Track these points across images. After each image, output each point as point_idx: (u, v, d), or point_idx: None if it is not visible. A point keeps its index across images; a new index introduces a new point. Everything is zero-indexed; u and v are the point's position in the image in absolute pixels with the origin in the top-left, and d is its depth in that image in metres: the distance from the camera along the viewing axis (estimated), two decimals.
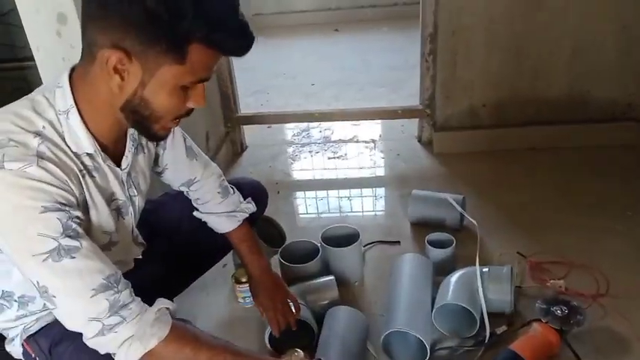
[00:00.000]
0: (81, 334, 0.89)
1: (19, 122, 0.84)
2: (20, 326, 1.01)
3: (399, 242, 1.77)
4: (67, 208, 0.84)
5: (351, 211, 1.99)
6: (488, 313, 1.37)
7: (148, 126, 0.90)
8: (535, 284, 1.53)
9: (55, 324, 0.97)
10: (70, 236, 0.83)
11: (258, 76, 3.32)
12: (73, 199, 0.86)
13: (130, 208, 1.04)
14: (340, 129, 2.58)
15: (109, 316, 0.86)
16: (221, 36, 0.81)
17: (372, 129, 2.55)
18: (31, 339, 1.00)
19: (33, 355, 1.01)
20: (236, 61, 2.32)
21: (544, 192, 1.97)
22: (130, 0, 0.77)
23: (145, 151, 1.08)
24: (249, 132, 2.55)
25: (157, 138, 0.96)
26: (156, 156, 1.16)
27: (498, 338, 1.35)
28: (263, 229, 1.55)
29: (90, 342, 0.88)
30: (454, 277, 1.44)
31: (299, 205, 2.10)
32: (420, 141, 2.40)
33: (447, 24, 2.07)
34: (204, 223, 1.31)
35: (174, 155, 1.18)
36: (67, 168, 0.86)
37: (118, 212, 1.01)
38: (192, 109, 0.91)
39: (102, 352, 0.90)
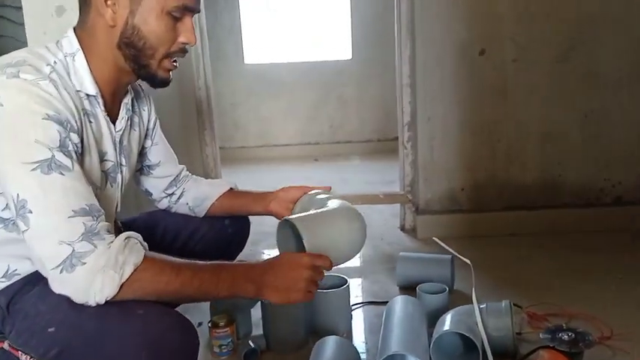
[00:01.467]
0: (42, 281, 0.81)
1: (34, 54, 0.89)
2: None
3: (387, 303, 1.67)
4: (68, 128, 0.84)
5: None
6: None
7: (146, 63, 0.94)
8: (535, 330, 1.43)
9: (15, 283, 0.88)
10: (64, 153, 0.82)
11: None
12: (74, 124, 0.86)
13: (118, 177, 1.02)
14: None
15: (80, 240, 0.79)
16: None
17: None
18: None
19: None
20: None
21: (532, 269, 1.92)
22: None
23: (137, 129, 1.10)
24: None
25: (159, 81, 0.98)
26: (143, 148, 1.17)
27: None
28: None
29: (55, 279, 0.80)
30: (450, 313, 1.35)
31: None
32: (402, 229, 2.40)
33: (422, 111, 2.23)
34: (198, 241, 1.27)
35: (163, 148, 1.21)
36: (72, 100, 0.88)
37: (106, 176, 0.98)
38: (185, 48, 0.97)
39: (73, 296, 0.80)
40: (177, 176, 1.30)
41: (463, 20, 2.15)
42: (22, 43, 1.57)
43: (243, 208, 1.35)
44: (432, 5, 2.15)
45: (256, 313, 1.51)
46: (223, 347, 1.40)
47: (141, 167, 1.24)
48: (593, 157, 2.25)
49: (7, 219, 0.88)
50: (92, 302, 0.81)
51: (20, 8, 2.22)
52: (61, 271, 0.79)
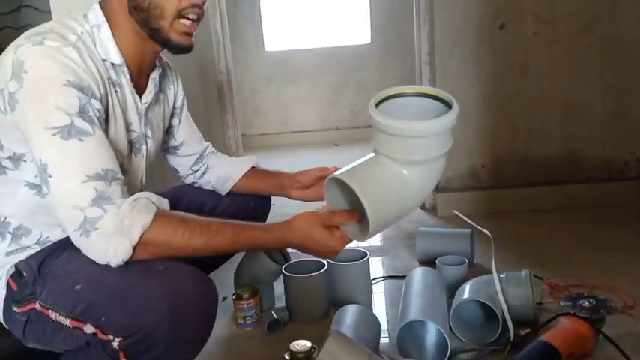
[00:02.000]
0: (72, 244, 0.85)
1: (62, 24, 0.92)
2: (8, 265, 0.95)
3: None
4: (89, 95, 0.87)
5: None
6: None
7: (157, 26, 0.95)
8: (555, 300, 1.43)
9: (45, 248, 0.92)
10: (84, 119, 0.85)
11: None
12: (97, 91, 0.89)
13: (143, 147, 1.05)
14: None
15: (91, 206, 0.82)
16: None
17: None
18: (21, 264, 0.93)
19: (16, 289, 0.92)
20: None
21: (553, 243, 1.91)
22: None
23: (164, 105, 1.13)
24: None
25: (175, 45, 0.98)
26: (170, 126, 1.20)
27: (523, 340, 1.22)
28: (266, 252, 1.50)
29: (78, 243, 0.84)
30: (470, 282, 1.36)
31: None
32: (423, 208, 2.40)
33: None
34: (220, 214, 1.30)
35: (189, 127, 1.24)
36: (98, 69, 0.90)
37: (131, 146, 1.02)
38: (195, 4, 0.95)
39: (96, 258, 0.84)
40: (202, 153, 1.34)
41: None
42: None
43: (265, 191, 1.39)
44: None
45: (279, 286, 1.55)
46: (247, 318, 1.43)
47: (167, 148, 1.28)
48: (616, 130, 2.22)
49: (39, 185, 0.91)
50: (112, 264, 0.84)
51: None
52: (80, 235, 0.83)
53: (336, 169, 1.26)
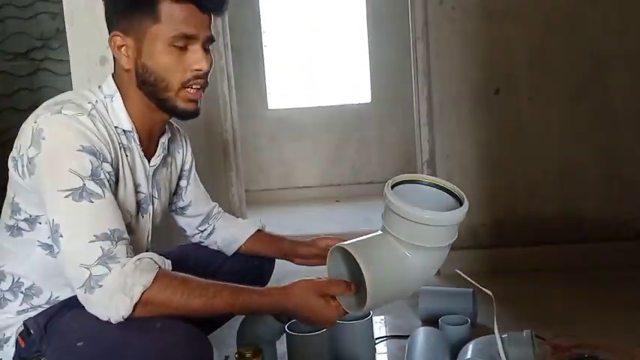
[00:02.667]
0: (79, 304, 0.88)
1: (78, 95, 1.00)
2: (18, 324, 0.98)
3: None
4: (101, 159, 0.92)
5: None
6: None
7: (165, 97, 1.00)
8: None
9: (54, 306, 0.96)
10: (96, 182, 0.90)
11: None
12: (108, 156, 0.94)
13: (150, 208, 1.09)
14: None
15: (96, 264, 0.86)
16: None
17: None
18: (29, 322, 0.96)
19: (24, 346, 0.95)
20: None
21: (555, 303, 1.92)
22: None
23: (171, 168, 1.18)
24: None
25: (181, 112, 1.03)
26: (177, 188, 1.25)
27: None
28: None
29: (83, 300, 0.88)
30: (472, 342, 1.37)
31: None
32: None
33: (440, 149, 2.30)
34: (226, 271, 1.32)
35: (196, 188, 1.28)
36: (110, 134, 0.97)
37: (138, 206, 1.06)
38: (200, 75, 1.00)
39: (98, 314, 0.87)
40: (209, 214, 1.37)
41: (477, 62, 2.24)
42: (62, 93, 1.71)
43: (269, 255, 1.42)
44: (447, 48, 2.25)
45: (281, 345, 1.55)
46: None
47: (175, 208, 1.32)
48: (611, 191, 2.27)
49: (51, 245, 0.95)
50: (113, 320, 0.87)
51: (61, 60, 2.40)
52: (84, 292, 0.87)
53: (340, 240, 1.31)
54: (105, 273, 0.86)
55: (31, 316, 0.98)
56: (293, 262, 1.41)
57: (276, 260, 1.49)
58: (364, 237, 1.03)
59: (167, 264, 0.95)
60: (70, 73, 1.54)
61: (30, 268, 0.98)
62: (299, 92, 4.80)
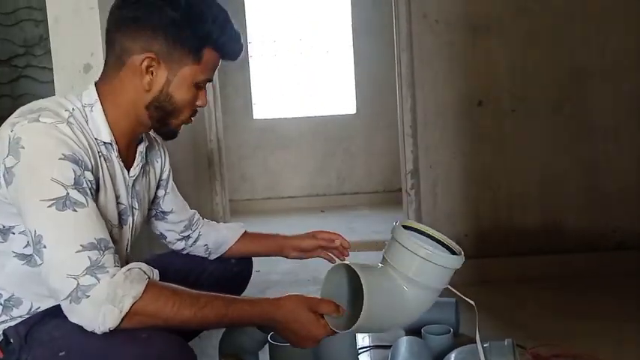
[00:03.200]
0: (61, 313, 0.87)
1: (54, 102, 0.98)
2: None
3: None
4: (83, 167, 0.91)
5: None
6: None
7: (169, 122, 1.05)
8: None
9: (34, 315, 0.94)
10: (79, 191, 0.89)
11: None
12: (89, 164, 0.93)
13: (130, 219, 1.08)
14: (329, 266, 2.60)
15: (84, 274, 0.85)
16: (226, 40, 1.03)
17: None
18: (9, 331, 0.95)
19: (2, 357, 0.94)
20: None
21: (537, 313, 1.94)
22: (160, 11, 0.98)
23: (149, 177, 1.18)
24: None
25: (172, 135, 1.09)
26: (155, 197, 1.24)
27: None
28: None
29: (67, 310, 0.86)
30: (455, 352, 1.38)
31: None
32: None
33: (424, 159, 2.32)
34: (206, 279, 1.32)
35: (174, 197, 1.28)
36: (89, 143, 0.95)
37: (119, 216, 1.05)
38: (197, 110, 1.08)
39: (84, 325, 0.86)
40: (190, 220, 1.37)
41: (461, 74, 2.28)
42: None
43: (262, 252, 1.45)
44: (431, 60, 2.28)
45: (264, 355, 1.54)
46: None
47: (156, 213, 1.31)
48: (592, 203, 2.31)
49: (29, 255, 0.94)
50: (98, 332, 0.86)
51: (44, 68, 2.38)
52: (70, 302, 0.85)
53: (335, 235, 1.43)
54: (93, 283, 0.85)
55: (10, 326, 0.96)
56: (287, 256, 1.43)
57: (257, 270, 1.49)
58: (366, 264, 1.09)
59: (155, 274, 0.94)
60: (52, 80, 1.53)
61: (6, 279, 0.96)
62: (284, 103, 4.82)
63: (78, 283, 0.84)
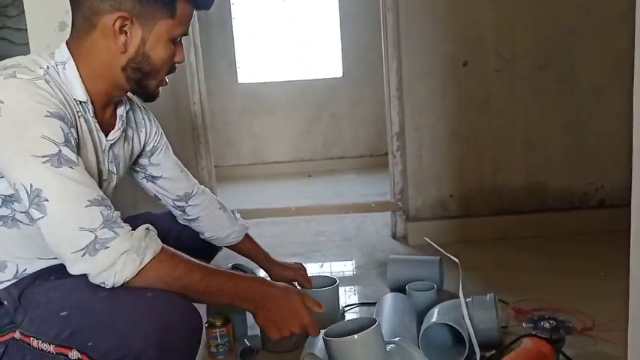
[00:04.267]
0: (52, 276, 0.86)
1: (27, 60, 0.95)
2: None
3: None
4: (69, 124, 0.90)
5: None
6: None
7: (147, 83, 1.02)
8: (520, 324, 1.48)
9: (25, 277, 0.93)
10: (69, 148, 0.87)
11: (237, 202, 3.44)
12: (72, 120, 0.91)
13: (105, 183, 1.06)
14: (316, 230, 2.63)
15: (102, 228, 0.85)
16: None
17: (347, 230, 2.62)
18: (1, 293, 0.94)
19: None
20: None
21: (519, 270, 1.98)
22: None
23: (130, 142, 1.15)
24: None
25: (153, 96, 1.06)
26: (137, 163, 1.23)
27: None
28: None
29: (74, 260, 0.84)
30: (438, 307, 1.40)
31: None
32: (394, 237, 2.46)
33: (410, 121, 2.31)
34: (184, 240, 1.31)
35: (167, 165, 1.26)
36: (67, 100, 0.93)
37: (98, 178, 1.04)
38: (175, 66, 1.05)
39: (94, 276, 0.85)
40: (187, 193, 1.34)
41: (446, 34, 2.25)
42: None
43: (249, 254, 1.55)
44: (417, 20, 2.24)
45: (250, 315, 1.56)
46: (220, 347, 1.44)
47: (144, 176, 1.28)
48: (575, 162, 2.33)
49: (4, 216, 0.93)
50: (110, 283, 0.85)
51: (19, 29, 2.31)
52: (83, 254, 0.84)
53: (300, 268, 1.59)
54: (112, 237, 0.85)
55: None
56: (270, 274, 1.55)
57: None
58: None
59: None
60: (28, 42, 1.48)
61: None
62: (269, 66, 4.74)
63: (96, 236, 0.84)
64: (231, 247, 1.50)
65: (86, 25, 0.96)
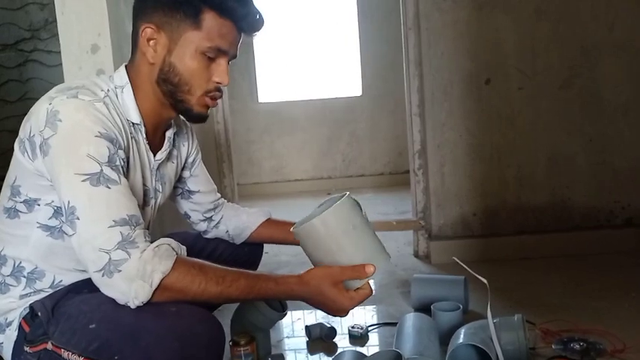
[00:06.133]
0: (84, 289, 0.88)
1: (90, 82, 1.00)
2: (21, 308, 0.99)
3: None
4: (117, 146, 0.94)
5: None
6: None
7: (183, 99, 1.03)
8: (548, 345, 1.45)
9: (59, 290, 0.96)
10: (112, 168, 0.91)
11: None
12: (122, 142, 0.96)
13: (152, 201, 1.10)
14: None
15: (116, 249, 0.87)
16: (231, 4, 0.99)
17: None
18: (36, 304, 0.96)
19: (29, 330, 0.96)
20: None
21: (546, 290, 1.94)
22: None
23: (175, 161, 1.19)
24: None
25: (195, 115, 1.07)
26: (180, 177, 1.26)
27: None
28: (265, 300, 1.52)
29: (99, 282, 0.88)
30: (465, 327, 1.38)
31: None
32: (416, 256, 2.44)
33: (432, 139, 2.31)
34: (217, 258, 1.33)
35: (202, 179, 1.32)
36: (122, 123, 0.98)
37: (143, 197, 1.07)
38: (219, 88, 1.05)
39: (117, 298, 0.88)
40: (215, 203, 1.39)
41: (468, 52, 2.26)
42: (51, 85, 1.71)
43: (282, 238, 1.45)
44: (438, 39, 2.26)
45: (275, 334, 1.56)
46: None
47: (182, 192, 1.33)
48: (600, 179, 2.30)
49: (53, 227, 0.97)
50: (132, 305, 0.88)
51: (50, 52, 2.38)
52: (102, 275, 0.87)
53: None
54: (124, 258, 0.87)
55: (34, 300, 0.98)
56: None
57: (266, 252, 1.51)
58: None
59: (183, 250, 0.96)
60: (59, 64, 1.52)
61: (30, 250, 0.98)
62: (290, 86, 4.80)
63: (110, 258, 0.87)
64: (265, 237, 1.45)
65: (134, 46, 1.04)
